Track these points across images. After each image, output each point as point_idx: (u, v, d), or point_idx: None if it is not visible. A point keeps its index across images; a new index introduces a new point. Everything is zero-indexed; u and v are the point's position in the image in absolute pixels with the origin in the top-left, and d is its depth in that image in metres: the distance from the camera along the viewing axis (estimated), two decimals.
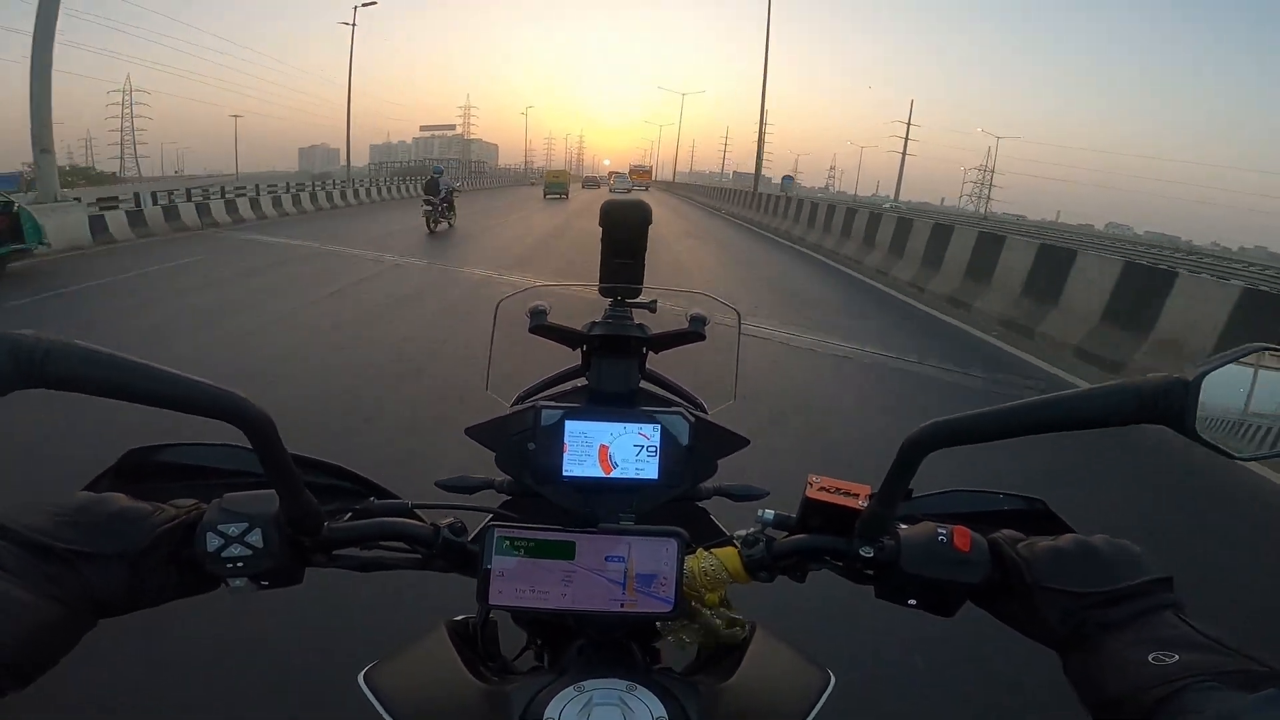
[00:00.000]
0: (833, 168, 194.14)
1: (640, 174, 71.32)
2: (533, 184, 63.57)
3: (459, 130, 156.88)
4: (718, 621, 0.60)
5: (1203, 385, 0.43)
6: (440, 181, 14.14)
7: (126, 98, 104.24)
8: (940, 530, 0.54)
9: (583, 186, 62.22)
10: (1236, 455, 0.44)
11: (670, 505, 0.69)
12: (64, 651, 0.44)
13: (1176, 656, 0.41)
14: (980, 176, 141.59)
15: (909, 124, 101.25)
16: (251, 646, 1.95)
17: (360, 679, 0.53)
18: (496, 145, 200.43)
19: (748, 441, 0.71)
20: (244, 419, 0.46)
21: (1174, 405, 0.43)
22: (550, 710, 0.49)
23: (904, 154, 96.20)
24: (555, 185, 36.19)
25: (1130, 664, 0.43)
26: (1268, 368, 0.44)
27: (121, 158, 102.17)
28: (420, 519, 0.61)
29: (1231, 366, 0.43)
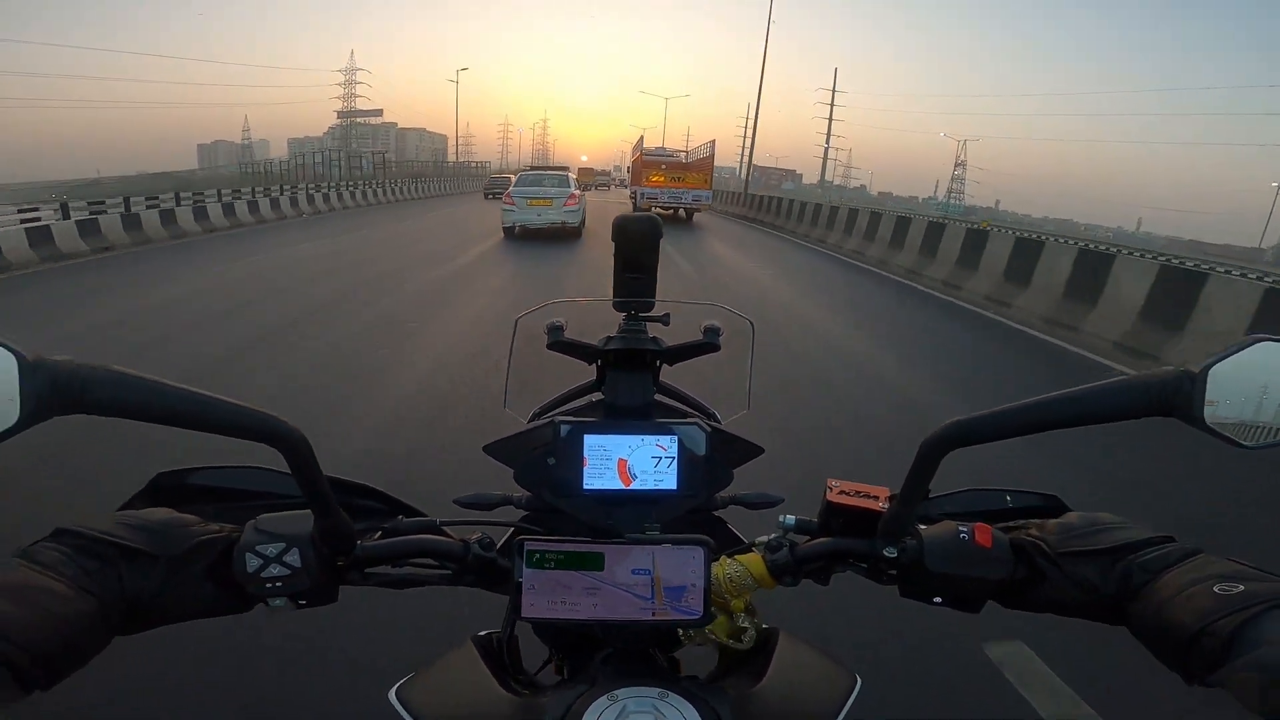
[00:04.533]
0: (961, 160, 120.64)
1: (679, 176, 20.94)
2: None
3: (387, 116, 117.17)
4: (743, 626, 0.61)
5: (1209, 377, 0.44)
6: None
7: None
8: (962, 528, 0.55)
9: (485, 196, 30.16)
10: (1245, 444, 0.45)
11: (688, 516, 0.70)
12: (93, 652, 0.44)
13: (1241, 586, 0.42)
14: None
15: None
16: (280, 665, 1.96)
17: (391, 695, 0.53)
18: (444, 135, 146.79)
19: (762, 450, 0.72)
20: (282, 440, 0.47)
21: (1183, 398, 0.44)
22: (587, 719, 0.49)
23: None
24: None
25: (1198, 596, 0.43)
26: (1272, 359, 0.45)
27: None
28: (449, 535, 0.62)
29: (1237, 358, 0.45)
